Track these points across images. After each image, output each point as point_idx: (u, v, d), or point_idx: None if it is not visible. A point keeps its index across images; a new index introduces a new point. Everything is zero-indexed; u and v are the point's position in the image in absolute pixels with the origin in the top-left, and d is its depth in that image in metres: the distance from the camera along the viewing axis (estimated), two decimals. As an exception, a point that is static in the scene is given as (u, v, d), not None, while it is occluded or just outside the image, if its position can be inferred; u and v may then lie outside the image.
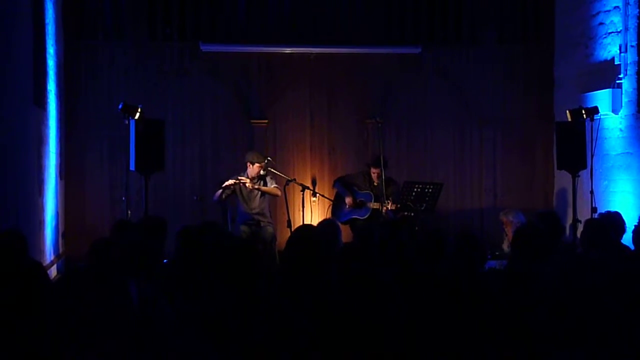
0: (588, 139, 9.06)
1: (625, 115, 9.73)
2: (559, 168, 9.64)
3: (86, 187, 11.13)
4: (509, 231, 9.31)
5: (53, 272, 9.98)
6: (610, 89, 9.80)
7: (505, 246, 9.51)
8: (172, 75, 11.26)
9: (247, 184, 9.82)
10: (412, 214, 9.53)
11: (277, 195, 10.08)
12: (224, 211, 10.13)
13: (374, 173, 10.10)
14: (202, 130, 11.38)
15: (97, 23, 11.12)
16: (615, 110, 9.79)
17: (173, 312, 4.26)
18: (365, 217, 9.99)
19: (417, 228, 9.16)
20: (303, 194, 10.17)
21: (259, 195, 9.95)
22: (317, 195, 10.95)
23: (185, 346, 3.50)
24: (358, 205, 10.10)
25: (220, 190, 9.84)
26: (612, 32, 10.00)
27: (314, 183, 11.44)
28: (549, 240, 5.63)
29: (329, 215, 10.21)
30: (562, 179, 10.91)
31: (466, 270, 4.87)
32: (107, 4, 11.09)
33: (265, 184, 9.99)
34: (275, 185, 10.06)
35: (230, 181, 9.84)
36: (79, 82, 11.06)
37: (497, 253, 9.51)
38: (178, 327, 3.89)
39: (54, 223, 10.06)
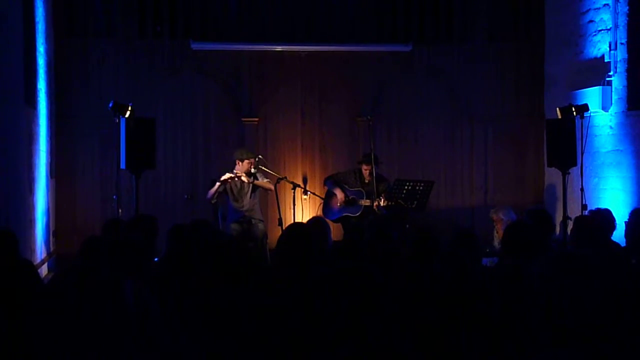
0: (578, 136, 9.08)
1: (615, 113, 9.76)
2: (549, 165, 9.65)
3: (77, 186, 11.11)
4: (500, 228, 9.31)
5: (44, 270, 9.97)
6: (600, 87, 9.84)
7: (496, 243, 9.52)
8: (162, 74, 11.25)
9: (242, 178, 9.79)
10: (403, 212, 9.53)
11: (270, 190, 10.06)
12: (214, 209, 10.12)
13: (365, 170, 10.09)
14: (193, 129, 11.38)
15: (88, 21, 11.10)
16: (605, 108, 9.83)
17: (162, 311, 4.26)
18: (358, 214, 9.98)
19: (407, 226, 9.16)
20: (294, 192, 10.18)
21: (249, 192, 9.95)
22: (308, 193, 10.95)
23: (174, 344, 3.50)
24: (349, 203, 10.10)
25: (215, 187, 9.79)
26: (602, 30, 10.03)
27: (305, 181, 11.45)
28: (539, 238, 5.64)
29: (320, 213, 10.20)
30: (553, 176, 10.94)
31: (460, 268, 4.88)
32: (97, 1, 11.07)
33: (256, 180, 9.99)
34: (268, 180, 10.05)
35: (228, 175, 9.79)
36: (69, 80, 11.04)
37: (487, 250, 9.50)
38: (167, 325, 3.90)
39: (44, 221, 10.05)
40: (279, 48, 11.44)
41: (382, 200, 9.69)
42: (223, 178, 9.79)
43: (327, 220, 7.80)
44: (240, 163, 9.89)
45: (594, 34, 10.22)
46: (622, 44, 9.62)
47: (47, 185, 10.30)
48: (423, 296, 4.36)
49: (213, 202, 9.88)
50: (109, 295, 3.23)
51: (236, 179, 9.83)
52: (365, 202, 9.95)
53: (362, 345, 3.37)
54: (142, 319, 3.91)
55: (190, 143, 11.37)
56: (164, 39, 11.26)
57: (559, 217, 9.58)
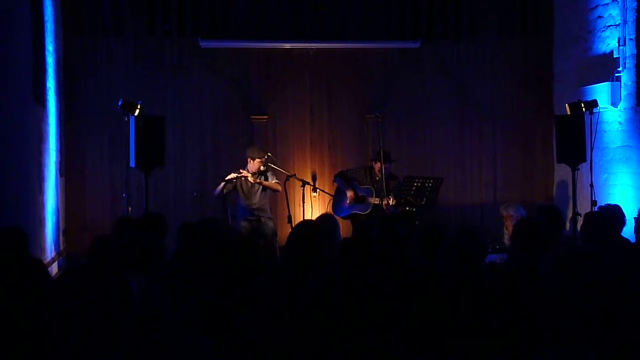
0: (587, 132, 9.06)
1: (625, 108, 9.73)
2: (559, 161, 9.64)
3: (86, 184, 11.13)
4: (509, 225, 9.30)
5: (54, 269, 10.00)
6: (609, 82, 9.80)
7: (506, 240, 9.52)
8: (171, 72, 11.26)
9: (249, 178, 9.82)
10: (413, 209, 9.53)
11: (277, 191, 10.09)
12: (224, 207, 10.13)
13: (381, 167, 10.01)
14: (202, 126, 11.38)
15: (96, 19, 11.12)
16: (614, 104, 9.80)
17: (172, 308, 4.27)
18: (367, 212, 9.98)
19: (417, 222, 9.16)
20: (303, 190, 10.18)
21: (259, 190, 9.97)
22: (318, 190, 10.96)
23: (184, 341, 3.51)
24: (359, 200, 10.09)
25: (222, 185, 9.82)
26: (611, 25, 10.00)
27: (314, 178, 11.45)
28: (549, 234, 5.64)
29: (329, 210, 10.19)
30: (562, 172, 10.92)
31: (466, 265, 4.88)
32: (106, 0, 11.09)
33: (266, 180, 10.00)
34: (276, 181, 10.06)
35: (233, 175, 9.83)
36: (78, 78, 11.06)
37: (497, 247, 9.50)
38: (177, 323, 3.91)
39: (54, 220, 10.07)
40: (287, 45, 11.44)
41: (392, 199, 9.68)
42: (228, 177, 9.81)
43: (337, 217, 7.82)
44: (251, 161, 9.91)
45: (603, 29, 10.19)
46: (630, 39, 9.58)
47: (57, 184, 10.33)
48: (430, 293, 4.35)
49: (224, 192, 9.86)
50: (117, 293, 3.24)
51: (242, 178, 9.85)
52: (374, 200, 9.94)
53: (370, 342, 3.38)
54: (150, 317, 3.92)
55: (199, 141, 11.38)
56: (172, 37, 11.27)
57: (568, 213, 9.57)
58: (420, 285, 4.49)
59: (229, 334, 3.86)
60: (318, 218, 7.37)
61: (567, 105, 9.35)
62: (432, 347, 3.79)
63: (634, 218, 6.96)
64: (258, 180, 9.88)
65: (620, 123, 9.84)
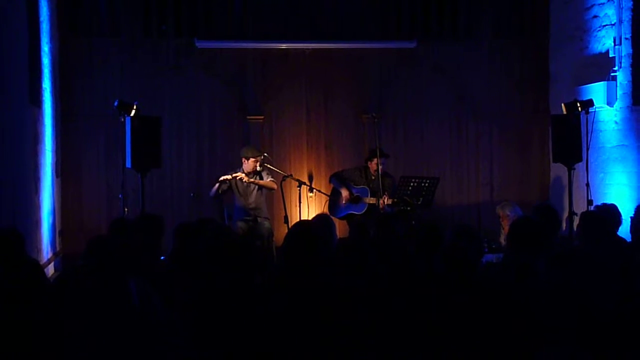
0: (583, 131, 9.06)
1: (620, 108, 9.75)
2: (555, 161, 9.64)
3: (83, 185, 11.12)
4: (506, 225, 9.30)
5: (50, 270, 9.99)
6: (605, 82, 9.82)
7: (502, 239, 9.52)
8: (167, 72, 11.25)
9: (243, 178, 9.81)
10: (409, 209, 9.52)
11: (273, 189, 10.08)
12: (220, 208, 10.13)
13: (375, 164, 9.99)
14: (198, 127, 11.38)
15: (92, 20, 11.12)
16: (610, 103, 9.81)
17: (167, 309, 4.26)
18: (362, 212, 9.98)
19: (413, 222, 9.15)
20: (300, 190, 10.16)
21: (255, 189, 9.96)
22: (314, 190, 10.94)
23: (179, 342, 3.51)
24: (354, 201, 10.09)
25: (217, 185, 9.83)
26: (607, 25, 10.01)
27: (310, 178, 11.44)
28: (545, 233, 5.64)
29: (325, 211, 10.19)
30: (558, 171, 10.93)
31: (463, 264, 4.88)
32: (102, 1, 11.08)
33: (260, 179, 9.99)
34: (272, 179, 10.06)
35: (227, 176, 9.83)
36: (74, 79, 11.05)
37: (494, 246, 9.51)
38: (171, 324, 3.90)
39: (50, 221, 10.06)
40: (283, 46, 11.43)
41: (387, 198, 9.68)
42: (222, 178, 9.82)
43: (333, 218, 7.82)
44: (246, 161, 9.90)
45: (599, 29, 10.21)
46: (626, 39, 9.60)
47: (53, 185, 10.32)
48: (428, 293, 4.36)
49: (220, 192, 9.87)
50: (115, 294, 3.24)
51: (238, 179, 9.83)
52: (370, 200, 9.94)
53: (368, 342, 3.38)
54: (146, 317, 3.92)
55: (196, 141, 11.37)
56: (168, 37, 11.27)
57: (564, 213, 9.58)
58: (418, 285, 4.49)
59: (225, 335, 3.86)
60: (314, 218, 7.36)
61: (563, 104, 9.34)
62: (430, 347, 3.79)
63: (630, 217, 6.96)
64: (252, 180, 9.87)
65: (616, 122, 9.86)
